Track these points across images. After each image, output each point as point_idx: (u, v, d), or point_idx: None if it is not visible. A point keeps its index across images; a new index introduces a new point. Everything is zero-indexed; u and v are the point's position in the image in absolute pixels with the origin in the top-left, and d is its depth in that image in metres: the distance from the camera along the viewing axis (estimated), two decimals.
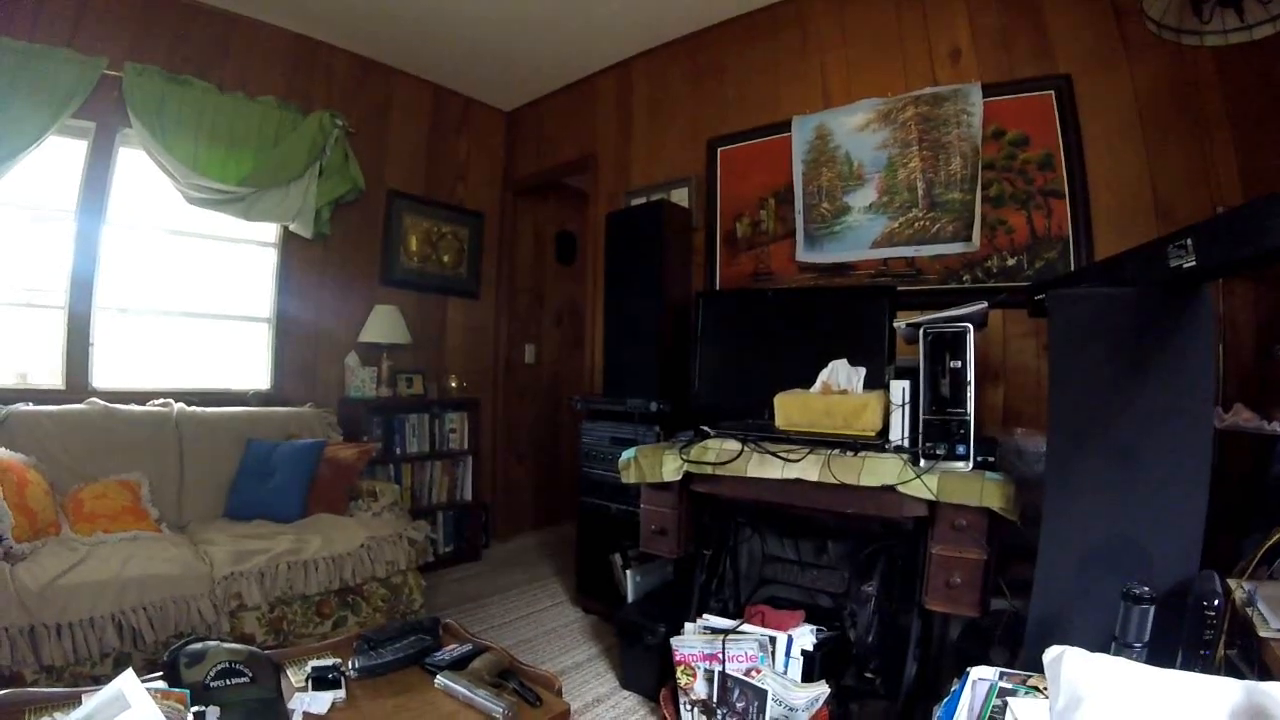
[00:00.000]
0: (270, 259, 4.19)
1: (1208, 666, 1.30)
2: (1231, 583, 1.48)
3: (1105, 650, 1.26)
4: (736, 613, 2.61)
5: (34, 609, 2.13)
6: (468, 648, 1.97)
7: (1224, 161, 2.49)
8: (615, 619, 3.03)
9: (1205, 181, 2.52)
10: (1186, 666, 1.30)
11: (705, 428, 2.63)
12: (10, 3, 3.14)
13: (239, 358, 4.09)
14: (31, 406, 2.96)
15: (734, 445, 2.44)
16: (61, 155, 3.38)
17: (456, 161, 5.16)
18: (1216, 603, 1.30)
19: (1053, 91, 2.86)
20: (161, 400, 3.41)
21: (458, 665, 1.85)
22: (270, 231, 4.16)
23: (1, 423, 2.83)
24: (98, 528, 2.66)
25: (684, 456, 2.53)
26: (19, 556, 2.29)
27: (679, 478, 2.56)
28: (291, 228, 4.06)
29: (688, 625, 2.49)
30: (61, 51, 3.21)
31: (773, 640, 2.29)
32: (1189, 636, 1.33)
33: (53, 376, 3.36)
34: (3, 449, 2.64)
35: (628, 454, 2.73)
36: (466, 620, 3.12)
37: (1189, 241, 1.25)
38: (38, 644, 2.13)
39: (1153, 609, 1.29)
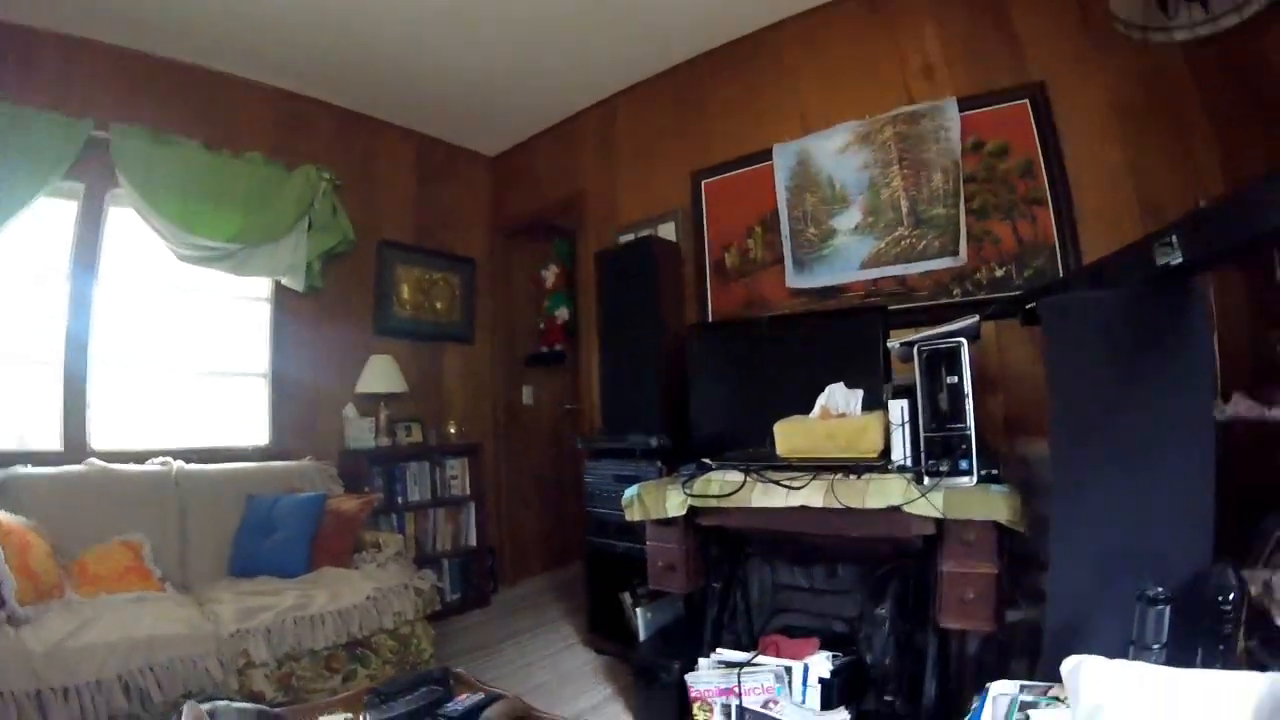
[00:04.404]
0: (264, 314, 4.20)
1: (1229, 661, 1.28)
2: (1247, 574, 1.46)
3: (1125, 654, 1.25)
4: (750, 644, 2.57)
5: (40, 672, 2.10)
6: (480, 697, 1.94)
7: (1205, 154, 2.51)
8: (629, 659, 2.99)
9: (1188, 176, 2.53)
10: (1208, 663, 1.28)
11: (706, 460, 2.61)
12: None
13: (237, 414, 4.08)
14: (30, 469, 2.95)
15: (736, 476, 2.43)
16: (52, 216, 3.40)
17: (444, 209, 5.20)
18: (1232, 595, 1.29)
19: (1027, 100, 2.90)
20: (161, 459, 3.39)
21: (471, 715, 1.82)
22: (263, 286, 4.18)
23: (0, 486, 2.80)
24: (101, 589, 2.63)
25: (687, 491, 2.52)
26: (23, 620, 2.26)
27: (683, 512, 2.55)
28: (283, 282, 4.08)
29: (702, 661, 2.46)
30: (49, 115, 3.25)
31: (789, 670, 2.26)
32: (1208, 632, 1.31)
33: (51, 438, 3.34)
34: (3, 512, 2.61)
35: (630, 492, 2.72)
36: (478, 668, 3.06)
37: (1174, 238, 1.26)
38: (45, 707, 2.08)
39: (1168, 608, 1.27)
